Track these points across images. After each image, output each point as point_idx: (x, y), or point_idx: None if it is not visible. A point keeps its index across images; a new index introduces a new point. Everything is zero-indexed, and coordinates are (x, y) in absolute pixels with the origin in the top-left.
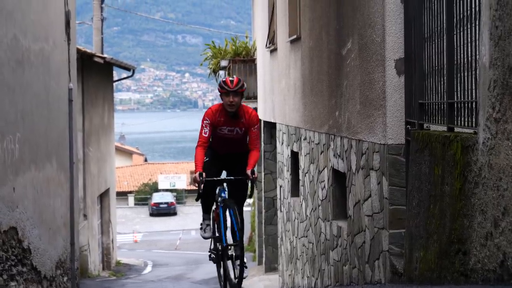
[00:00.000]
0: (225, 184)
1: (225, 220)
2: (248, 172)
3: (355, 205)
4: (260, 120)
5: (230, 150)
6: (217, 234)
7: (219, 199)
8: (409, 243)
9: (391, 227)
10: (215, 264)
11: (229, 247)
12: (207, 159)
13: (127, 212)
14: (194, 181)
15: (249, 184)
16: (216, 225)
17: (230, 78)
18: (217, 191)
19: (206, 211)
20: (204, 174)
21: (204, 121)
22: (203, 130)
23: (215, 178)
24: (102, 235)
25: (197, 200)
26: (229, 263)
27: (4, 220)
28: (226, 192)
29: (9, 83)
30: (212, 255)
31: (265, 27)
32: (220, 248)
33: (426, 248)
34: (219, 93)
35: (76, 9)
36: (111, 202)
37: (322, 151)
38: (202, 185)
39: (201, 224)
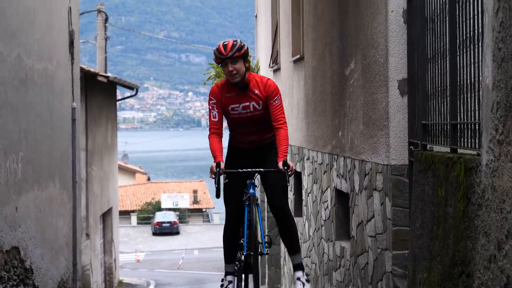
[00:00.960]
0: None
1: (257, 223)
2: (280, 165)
3: (358, 226)
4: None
5: (256, 138)
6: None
7: (245, 196)
8: (412, 265)
9: (394, 248)
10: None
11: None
12: (225, 180)
13: (129, 231)
14: (210, 172)
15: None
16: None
17: (224, 42)
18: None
19: (229, 258)
20: (222, 164)
21: (210, 102)
22: (211, 114)
23: (240, 170)
24: (105, 255)
25: (217, 197)
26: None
27: (6, 239)
28: (256, 188)
29: (13, 103)
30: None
31: (268, 47)
32: (242, 257)
33: (430, 269)
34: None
35: (80, 28)
36: (113, 221)
37: (325, 171)
38: (220, 177)
39: (222, 280)
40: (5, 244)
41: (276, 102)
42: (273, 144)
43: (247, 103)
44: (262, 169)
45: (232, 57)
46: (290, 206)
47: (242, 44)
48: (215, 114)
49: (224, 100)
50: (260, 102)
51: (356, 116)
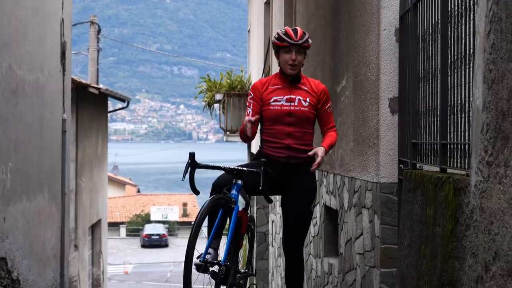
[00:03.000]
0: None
1: (220, 228)
2: (316, 151)
3: (347, 243)
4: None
5: (292, 142)
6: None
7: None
8: (400, 283)
9: (382, 266)
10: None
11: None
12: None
13: (118, 243)
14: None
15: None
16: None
17: (292, 28)
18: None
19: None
20: (194, 155)
21: (248, 98)
22: (247, 111)
23: (211, 165)
24: (93, 266)
25: (194, 192)
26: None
27: None
28: (240, 191)
29: (3, 113)
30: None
31: (260, 62)
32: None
33: None
34: (274, 52)
35: (72, 39)
36: (102, 233)
37: None
38: (188, 169)
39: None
40: None
41: (329, 109)
42: (309, 168)
43: (293, 96)
44: (245, 169)
45: (301, 45)
46: (279, 221)
47: (309, 37)
48: (249, 112)
49: (266, 93)
50: (308, 99)
51: (346, 133)
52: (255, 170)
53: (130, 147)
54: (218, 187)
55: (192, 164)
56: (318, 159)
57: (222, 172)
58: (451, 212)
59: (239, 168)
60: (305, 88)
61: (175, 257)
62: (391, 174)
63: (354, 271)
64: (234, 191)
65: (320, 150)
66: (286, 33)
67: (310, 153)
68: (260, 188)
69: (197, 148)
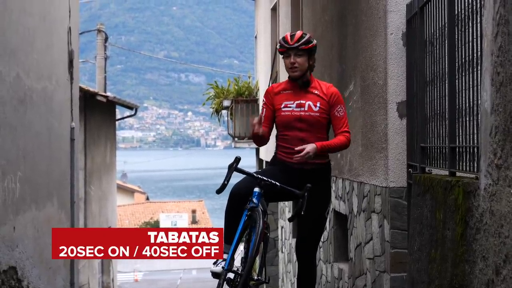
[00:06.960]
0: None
1: (242, 236)
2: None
3: (357, 248)
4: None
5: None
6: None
7: (248, 204)
8: None
9: (392, 271)
10: None
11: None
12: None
13: None
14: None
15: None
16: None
17: (292, 33)
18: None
19: (227, 238)
20: (239, 159)
21: (262, 102)
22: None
23: (250, 173)
24: (103, 274)
25: (217, 192)
26: None
27: (3, 259)
28: (260, 199)
29: (11, 122)
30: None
31: (268, 67)
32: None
33: None
34: (281, 57)
35: (80, 47)
36: None
37: None
38: (231, 173)
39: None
40: (2, 264)
41: (340, 113)
42: (325, 174)
43: (303, 101)
44: (286, 187)
45: (297, 47)
46: (289, 227)
47: (311, 38)
48: (262, 117)
49: (278, 98)
50: (318, 103)
51: (354, 138)
52: (296, 191)
53: (139, 154)
54: (237, 195)
55: (235, 168)
56: (302, 153)
57: (242, 176)
58: (461, 215)
59: (273, 182)
60: (316, 92)
61: (184, 264)
62: (400, 178)
63: (364, 276)
64: (255, 200)
65: (309, 146)
66: (284, 39)
67: (297, 148)
68: (302, 213)
69: (206, 155)
